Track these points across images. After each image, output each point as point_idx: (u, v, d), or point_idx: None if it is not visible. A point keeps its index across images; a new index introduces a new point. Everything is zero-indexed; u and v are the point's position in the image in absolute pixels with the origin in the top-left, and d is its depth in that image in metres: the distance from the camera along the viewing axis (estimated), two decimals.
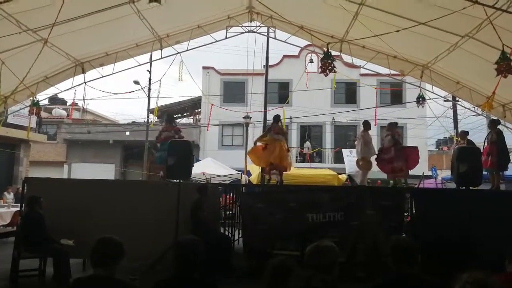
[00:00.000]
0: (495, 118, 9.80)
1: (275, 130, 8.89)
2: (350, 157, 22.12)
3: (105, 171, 23.12)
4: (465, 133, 9.61)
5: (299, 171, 16.26)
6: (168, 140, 9.16)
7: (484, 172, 8.02)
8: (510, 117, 10.36)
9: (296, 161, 24.04)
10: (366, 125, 9.60)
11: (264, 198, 7.60)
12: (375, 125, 19.35)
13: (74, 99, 12.36)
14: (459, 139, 10.03)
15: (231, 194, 9.30)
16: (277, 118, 9.16)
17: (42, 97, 12.11)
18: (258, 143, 9.18)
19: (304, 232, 6.67)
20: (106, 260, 2.51)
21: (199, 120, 27.84)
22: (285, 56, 25.69)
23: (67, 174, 25.13)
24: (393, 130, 9.29)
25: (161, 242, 6.42)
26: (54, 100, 28.70)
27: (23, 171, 17.91)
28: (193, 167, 7.78)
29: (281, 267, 2.35)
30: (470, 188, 6.82)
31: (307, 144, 24.84)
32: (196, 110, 30.01)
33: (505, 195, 8.19)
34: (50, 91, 11.77)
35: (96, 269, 2.53)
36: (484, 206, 6.49)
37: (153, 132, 20.35)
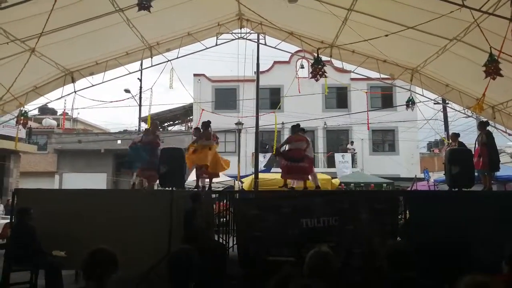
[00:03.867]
0: (484, 119, 9.90)
1: (207, 137, 8.96)
2: (343, 162, 22.22)
3: (97, 180, 22.90)
4: (456, 135, 9.69)
5: None
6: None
7: (476, 174, 8.07)
8: (499, 119, 10.48)
9: None
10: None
11: (258, 204, 7.54)
12: (368, 129, 19.60)
13: (64, 109, 12.24)
14: (451, 141, 10.10)
15: (225, 201, 9.25)
16: (207, 124, 9.17)
17: (32, 107, 12.02)
18: (190, 148, 9.20)
19: (299, 238, 6.64)
20: (98, 272, 2.46)
21: (191, 128, 27.77)
22: (275, 62, 25.78)
23: (58, 184, 24.85)
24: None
25: (154, 251, 6.33)
26: (44, 110, 28.44)
27: (13, 182, 17.71)
28: (185, 175, 7.74)
29: (287, 277, 2.31)
30: (463, 189, 6.86)
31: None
32: (188, 118, 29.95)
33: (497, 196, 8.24)
34: (40, 101, 11.68)
35: (88, 282, 2.48)
36: (477, 207, 6.51)
37: None
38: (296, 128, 9.12)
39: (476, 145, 8.93)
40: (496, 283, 1.56)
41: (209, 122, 9.26)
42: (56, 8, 6.79)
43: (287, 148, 9.05)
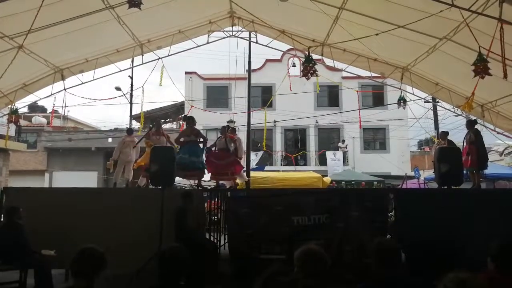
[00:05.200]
0: (473, 118, 10.01)
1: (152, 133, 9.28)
2: (334, 160, 22.31)
3: (87, 179, 22.73)
4: (445, 133, 9.77)
5: (284, 175, 16.32)
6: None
7: (465, 172, 8.16)
8: (488, 117, 10.60)
9: (281, 165, 24.12)
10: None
11: (250, 203, 7.55)
12: (359, 127, 19.70)
13: (54, 107, 12.04)
14: (440, 139, 10.19)
15: (217, 199, 9.24)
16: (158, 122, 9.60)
17: (21, 105, 11.89)
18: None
19: (290, 236, 6.66)
20: (87, 271, 2.45)
21: (183, 126, 27.66)
22: (267, 60, 25.77)
23: (48, 183, 24.62)
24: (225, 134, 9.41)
25: (145, 250, 6.31)
26: (34, 107, 28.16)
27: (2, 181, 17.45)
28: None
29: (275, 274, 2.32)
30: (452, 187, 6.92)
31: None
32: (180, 116, 29.83)
33: (486, 194, 8.33)
34: (29, 99, 11.56)
35: (77, 280, 2.47)
36: (466, 205, 6.59)
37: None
38: (224, 129, 9.37)
39: (465, 144, 9.02)
40: (480, 280, 1.58)
41: (159, 121, 9.66)
42: (45, 5, 6.72)
43: (216, 150, 9.23)
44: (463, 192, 7.47)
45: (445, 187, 6.99)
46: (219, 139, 9.45)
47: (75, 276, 2.48)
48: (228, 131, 9.41)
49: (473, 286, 1.54)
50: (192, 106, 17.06)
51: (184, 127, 9.71)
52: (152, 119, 29.85)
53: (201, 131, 9.83)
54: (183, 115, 27.51)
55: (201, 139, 9.01)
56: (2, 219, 6.55)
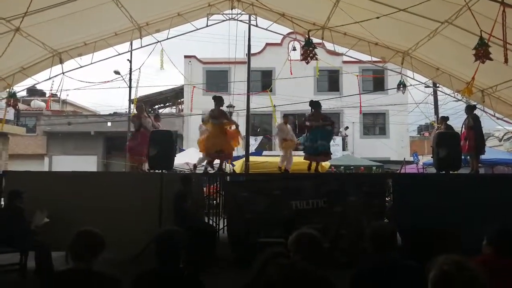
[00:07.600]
0: (472, 103, 9.98)
1: (212, 115, 8.63)
2: (334, 145, 22.30)
3: (87, 163, 22.78)
4: (445, 118, 9.75)
5: None
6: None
7: (463, 157, 8.17)
8: (488, 102, 10.56)
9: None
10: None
11: (249, 187, 7.59)
12: (360, 112, 19.64)
13: (51, 90, 11.96)
14: (439, 124, 10.18)
15: (216, 184, 9.28)
16: (218, 100, 8.81)
17: (20, 89, 11.83)
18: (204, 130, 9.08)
19: (289, 220, 6.71)
20: (85, 253, 2.47)
21: (182, 110, 27.57)
22: (267, 44, 25.50)
23: (48, 166, 24.68)
24: None
25: (145, 233, 6.37)
26: (33, 91, 28.00)
27: (2, 165, 17.51)
28: (175, 157, 7.73)
29: (272, 257, 2.32)
30: (450, 172, 6.94)
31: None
32: (179, 100, 29.70)
33: (483, 179, 8.37)
34: (28, 82, 11.49)
35: (76, 263, 2.49)
36: (463, 189, 6.62)
37: None
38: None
39: (463, 129, 9.02)
40: (472, 262, 1.59)
41: (219, 98, 8.90)
42: None
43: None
44: (461, 177, 7.50)
45: (443, 172, 7.02)
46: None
47: (73, 259, 2.49)
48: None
49: (470, 268, 1.55)
50: (194, 86, 16.92)
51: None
52: (152, 103, 29.75)
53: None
54: (182, 100, 27.36)
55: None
56: (3, 202, 6.57)
